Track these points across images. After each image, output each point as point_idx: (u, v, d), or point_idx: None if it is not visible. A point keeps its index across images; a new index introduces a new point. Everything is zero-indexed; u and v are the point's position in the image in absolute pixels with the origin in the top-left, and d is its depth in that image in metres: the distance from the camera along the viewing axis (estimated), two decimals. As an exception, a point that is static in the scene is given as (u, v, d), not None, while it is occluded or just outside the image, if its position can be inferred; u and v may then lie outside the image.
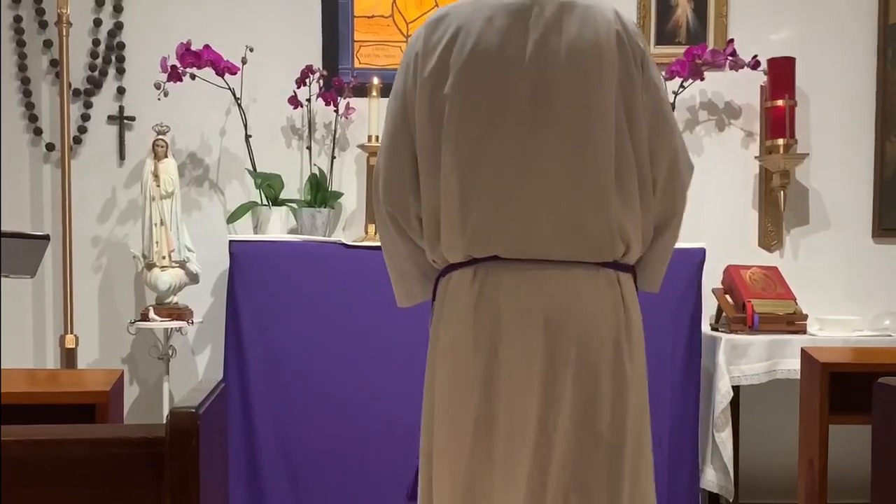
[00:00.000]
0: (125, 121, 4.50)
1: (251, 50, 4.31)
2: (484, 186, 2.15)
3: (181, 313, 4.21)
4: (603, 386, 2.18)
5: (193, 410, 1.56)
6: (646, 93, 2.23)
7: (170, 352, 4.28)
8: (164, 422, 1.56)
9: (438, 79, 2.18)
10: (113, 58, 4.49)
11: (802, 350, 3.29)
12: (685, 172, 2.34)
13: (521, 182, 2.14)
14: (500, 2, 2.18)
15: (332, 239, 4.19)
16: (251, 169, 4.37)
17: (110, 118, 4.50)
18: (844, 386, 3.09)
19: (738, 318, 4.20)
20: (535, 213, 2.15)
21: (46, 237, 2.69)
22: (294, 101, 4.40)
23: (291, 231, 4.35)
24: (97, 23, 4.47)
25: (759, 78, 4.55)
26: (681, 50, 4.45)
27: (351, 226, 4.55)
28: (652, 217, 2.29)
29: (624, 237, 2.20)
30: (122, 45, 4.49)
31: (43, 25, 4.44)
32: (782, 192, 4.55)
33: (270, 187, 4.33)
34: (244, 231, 4.38)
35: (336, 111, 4.44)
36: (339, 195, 4.47)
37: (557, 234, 2.15)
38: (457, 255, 2.22)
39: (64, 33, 4.22)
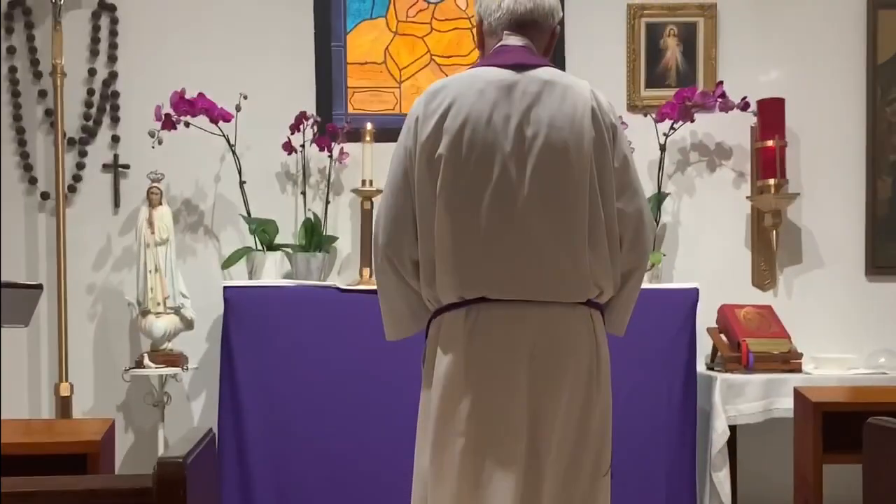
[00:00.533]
0: (120, 169, 4.52)
1: (245, 97, 4.34)
2: (473, 235, 2.46)
3: (176, 359, 4.21)
4: (576, 411, 2.49)
5: (181, 460, 1.57)
6: (616, 161, 2.56)
7: (165, 398, 4.27)
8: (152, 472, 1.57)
9: (435, 141, 2.48)
10: (107, 106, 4.52)
11: (795, 390, 3.30)
12: (648, 233, 2.65)
13: (506, 232, 2.45)
14: (491, 77, 2.52)
15: (327, 283, 4.20)
16: (246, 214, 4.39)
17: (105, 166, 4.53)
18: (838, 425, 3.09)
19: (734, 357, 4.20)
20: (519, 260, 2.46)
21: (40, 286, 2.70)
22: (288, 147, 4.43)
23: (286, 276, 4.36)
24: (91, 72, 4.51)
25: (750, 119, 4.58)
26: (671, 92, 4.49)
27: (346, 270, 4.56)
28: (619, 267, 2.59)
29: (597, 282, 2.51)
30: (116, 94, 4.52)
31: (38, 76, 4.48)
32: (774, 232, 4.57)
33: (265, 232, 4.35)
34: (239, 277, 4.39)
35: (330, 156, 4.47)
36: (333, 239, 4.49)
37: (538, 278, 2.46)
38: (450, 296, 2.50)
39: (58, 83, 4.26)
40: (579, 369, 2.49)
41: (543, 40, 2.65)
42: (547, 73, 2.56)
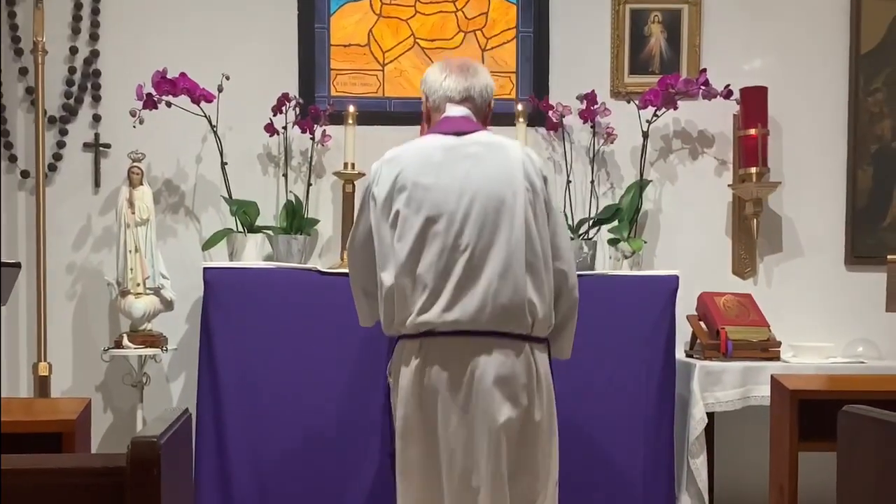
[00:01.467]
0: (100, 148, 4.50)
1: (227, 78, 4.32)
2: (425, 277, 2.89)
3: (155, 340, 4.20)
4: (519, 429, 2.91)
5: (155, 440, 1.56)
6: (549, 219, 3.03)
7: (144, 379, 4.26)
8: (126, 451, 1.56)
9: (391, 200, 2.96)
10: (88, 85, 4.50)
11: (772, 377, 3.32)
12: (573, 292, 3.11)
13: (453, 274, 2.89)
14: (437, 143, 3.01)
15: (308, 266, 4.19)
16: (227, 196, 4.38)
17: (86, 145, 4.50)
18: (814, 413, 3.11)
19: (712, 344, 4.22)
20: (466, 299, 2.88)
21: (18, 265, 2.69)
22: (270, 129, 4.41)
23: (267, 258, 4.35)
24: (73, 51, 4.48)
25: (732, 107, 4.59)
26: (654, 79, 4.49)
27: (327, 253, 4.55)
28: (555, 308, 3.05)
29: (532, 312, 2.91)
30: (97, 73, 4.50)
31: (18, 53, 4.44)
32: (755, 220, 4.59)
33: (246, 214, 4.33)
34: (220, 258, 4.38)
35: (312, 139, 4.46)
36: (314, 222, 4.48)
37: (481, 311, 2.88)
38: (407, 329, 2.95)
39: (39, 61, 4.23)
40: (519, 395, 2.91)
41: (481, 112, 3.16)
42: (484, 136, 3.05)
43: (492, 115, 3.25)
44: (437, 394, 2.90)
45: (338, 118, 4.41)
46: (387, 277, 2.95)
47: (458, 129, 3.04)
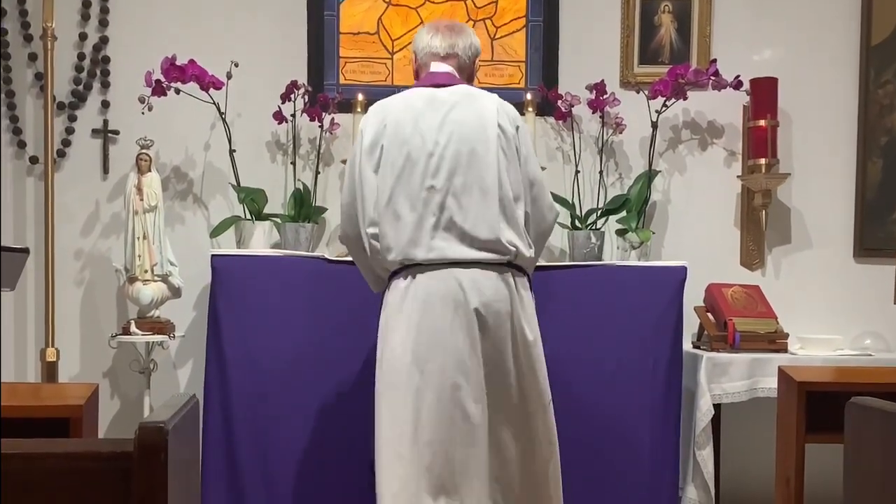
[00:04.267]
0: (109, 134, 4.50)
1: (236, 65, 4.32)
2: (407, 215, 3.14)
3: (163, 327, 4.20)
4: (510, 346, 3.13)
5: (162, 425, 1.56)
6: (518, 153, 3.27)
7: (151, 366, 4.27)
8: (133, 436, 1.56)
9: (377, 138, 3.23)
10: (98, 71, 4.50)
11: (780, 369, 3.31)
12: (548, 215, 3.41)
13: (432, 210, 3.14)
14: (420, 93, 3.29)
15: (315, 254, 4.20)
16: (235, 183, 4.38)
17: (94, 132, 4.51)
18: (821, 405, 3.10)
19: (720, 336, 4.21)
20: (444, 230, 3.14)
21: (26, 250, 2.69)
22: (279, 117, 4.41)
23: (275, 246, 4.36)
24: (82, 37, 4.48)
25: (742, 98, 4.58)
26: (664, 69, 4.48)
27: (334, 241, 4.55)
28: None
29: (511, 245, 3.15)
30: (107, 59, 4.50)
31: (28, 39, 4.44)
32: (764, 212, 4.58)
33: (254, 202, 4.33)
34: (227, 245, 4.38)
35: (321, 127, 4.45)
36: (322, 210, 4.48)
37: (461, 244, 3.13)
38: (394, 264, 3.18)
39: (49, 47, 4.22)
40: (504, 314, 3.13)
41: (466, 70, 3.42)
42: (463, 88, 3.32)
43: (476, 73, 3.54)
44: (420, 316, 3.09)
45: (346, 106, 4.40)
46: (373, 225, 3.20)
47: (440, 81, 3.32)
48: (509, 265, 3.18)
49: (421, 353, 3.08)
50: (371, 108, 3.36)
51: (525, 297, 3.22)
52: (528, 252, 3.23)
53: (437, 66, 3.38)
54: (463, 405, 3.05)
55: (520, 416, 3.15)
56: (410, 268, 3.15)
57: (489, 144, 3.18)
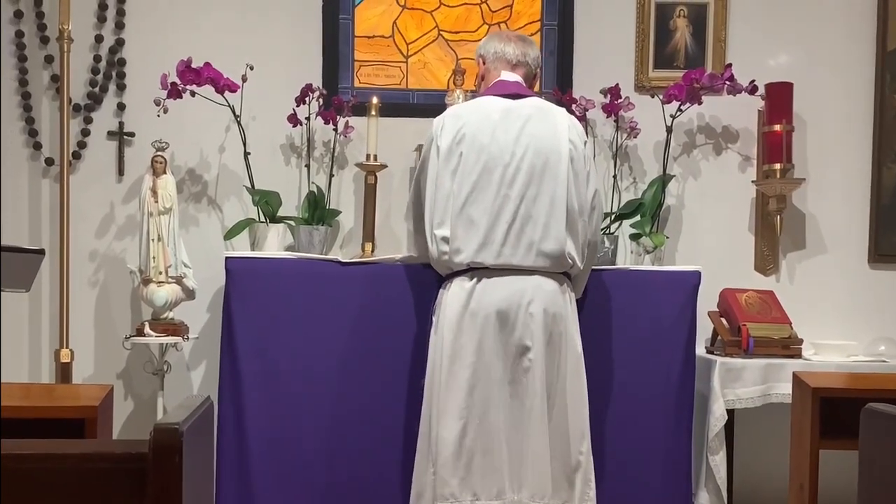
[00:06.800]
0: (125, 136, 4.52)
1: (251, 68, 4.33)
2: (480, 220, 3.32)
3: (177, 329, 4.21)
4: (564, 348, 3.36)
5: (177, 427, 1.57)
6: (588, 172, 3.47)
7: (164, 367, 4.28)
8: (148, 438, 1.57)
9: (455, 144, 3.37)
10: (114, 74, 4.52)
11: (794, 375, 3.30)
12: (598, 230, 3.62)
13: (504, 219, 3.32)
14: (496, 104, 3.43)
15: (329, 257, 4.19)
16: (249, 186, 4.39)
17: (110, 134, 4.52)
18: (836, 411, 3.09)
19: (734, 341, 4.20)
20: (514, 238, 3.33)
21: (42, 251, 2.70)
22: (293, 120, 4.42)
23: (288, 248, 4.36)
24: (98, 39, 4.50)
25: (757, 103, 4.57)
26: (679, 74, 4.47)
27: (348, 244, 4.56)
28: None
29: (571, 257, 3.38)
30: (122, 62, 4.51)
31: (44, 41, 4.47)
32: (778, 217, 4.56)
33: (268, 204, 4.34)
34: (241, 248, 4.39)
35: (335, 130, 4.46)
36: (336, 213, 4.49)
37: (528, 255, 3.33)
38: (461, 266, 3.36)
39: (65, 49, 4.24)
40: (565, 320, 3.36)
41: (530, 79, 3.61)
42: (537, 101, 3.49)
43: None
44: (486, 317, 3.29)
45: (361, 109, 4.41)
46: (442, 226, 3.37)
47: (513, 91, 3.47)
48: (565, 275, 3.42)
49: (485, 350, 3.28)
50: (445, 115, 3.49)
51: (573, 305, 3.44)
52: (580, 264, 3.44)
53: (507, 75, 3.53)
54: (521, 400, 3.28)
55: (562, 415, 3.36)
56: (476, 270, 3.34)
57: (561, 158, 3.36)
